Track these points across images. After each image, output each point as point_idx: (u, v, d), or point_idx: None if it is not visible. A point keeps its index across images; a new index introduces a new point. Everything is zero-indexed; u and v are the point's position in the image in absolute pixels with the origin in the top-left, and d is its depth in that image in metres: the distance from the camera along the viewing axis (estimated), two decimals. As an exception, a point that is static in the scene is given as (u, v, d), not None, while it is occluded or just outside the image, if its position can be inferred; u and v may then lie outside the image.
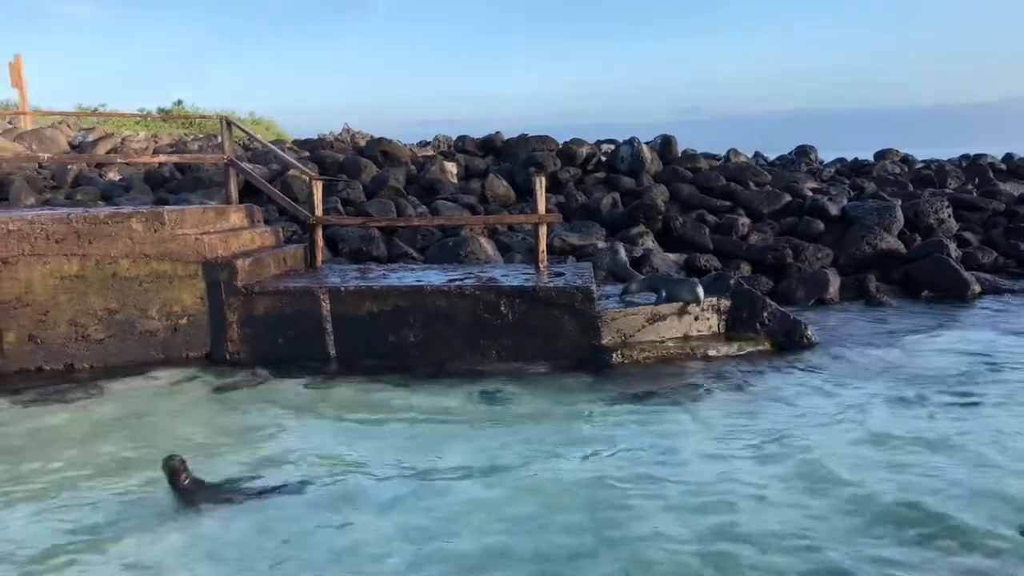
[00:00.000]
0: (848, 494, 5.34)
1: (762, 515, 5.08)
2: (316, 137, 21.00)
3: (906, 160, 24.07)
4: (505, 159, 17.51)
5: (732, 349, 8.99)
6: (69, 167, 14.83)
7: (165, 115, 21.75)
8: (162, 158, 11.01)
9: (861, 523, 4.95)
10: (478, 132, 19.73)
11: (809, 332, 9.33)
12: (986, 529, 4.79)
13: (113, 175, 15.03)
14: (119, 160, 11.85)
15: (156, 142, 19.33)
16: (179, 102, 32.36)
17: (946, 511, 5.04)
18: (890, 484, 5.49)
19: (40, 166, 15.32)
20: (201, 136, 22.42)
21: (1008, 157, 23.90)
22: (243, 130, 10.50)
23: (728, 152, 19.67)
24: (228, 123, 10.17)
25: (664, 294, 9.16)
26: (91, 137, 18.17)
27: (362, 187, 14.40)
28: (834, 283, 11.88)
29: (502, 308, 8.67)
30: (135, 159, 12.10)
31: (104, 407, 7.51)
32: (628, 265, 11.40)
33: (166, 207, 9.55)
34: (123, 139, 18.35)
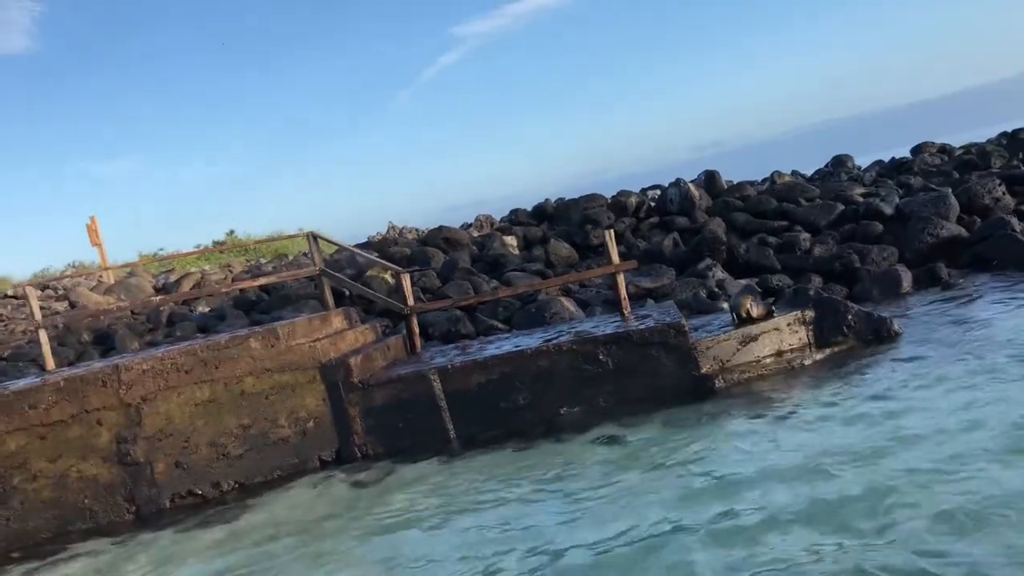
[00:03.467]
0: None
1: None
2: (366, 239, 21.95)
3: (944, 149, 24.26)
4: (559, 223, 18.20)
5: (825, 355, 9.38)
6: (161, 308, 15.83)
7: (256, 242, 22.91)
8: (261, 281, 11.88)
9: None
10: (507, 208, 20.64)
11: (895, 325, 9.68)
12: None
13: (203, 308, 16.00)
14: (224, 290, 12.78)
15: (231, 271, 20.45)
16: (231, 232, 33.92)
17: None
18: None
19: (133, 312, 16.37)
20: (266, 260, 23.59)
21: (1047, 126, 23.95)
22: (331, 241, 11.32)
23: (772, 175, 20.16)
24: (315, 237, 11.00)
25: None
26: (173, 278, 19.33)
27: (435, 274, 15.16)
28: (906, 277, 12.20)
29: (601, 357, 9.16)
30: (236, 285, 13.05)
31: (257, 522, 7.93)
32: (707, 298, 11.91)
33: (278, 323, 10.31)
34: (203, 274, 19.49)
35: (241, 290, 15.55)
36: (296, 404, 9.43)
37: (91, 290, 18.58)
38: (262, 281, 11.84)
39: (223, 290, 13.38)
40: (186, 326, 14.81)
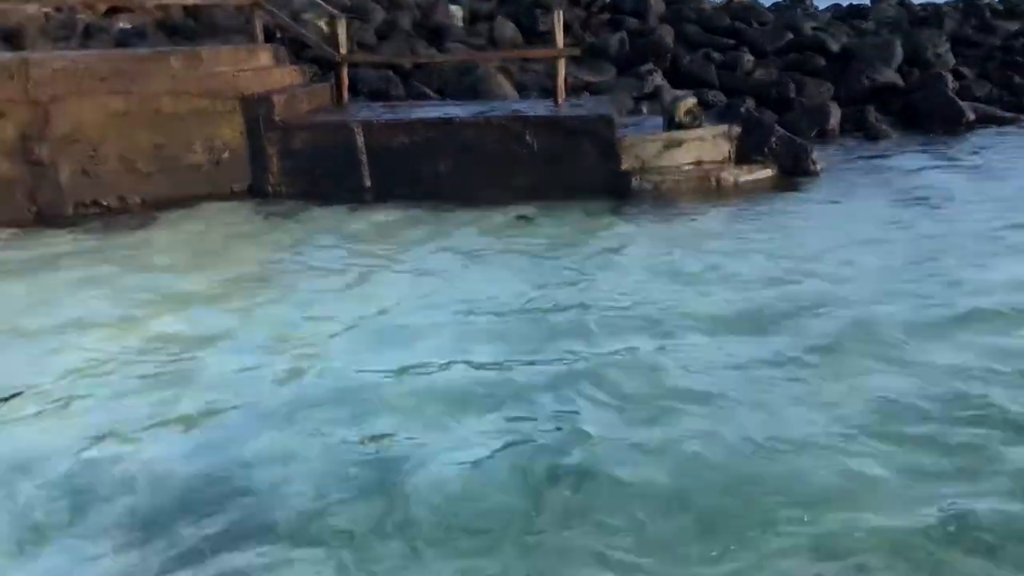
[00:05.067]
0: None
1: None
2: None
3: (903, 3, 24.03)
4: (509, 4, 17.52)
5: (742, 172, 9.59)
6: (79, 16, 14.85)
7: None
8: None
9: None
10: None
11: (815, 158, 9.91)
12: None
13: (124, 24, 15.07)
14: (149, 3, 12.06)
15: (157, -8, 19.12)
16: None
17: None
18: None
19: (46, 15, 15.33)
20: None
21: (1007, -4, 23.89)
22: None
23: (731, -7, 19.66)
24: (252, -36, 10.36)
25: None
26: (91, -13, 17.98)
27: (373, 31, 14.58)
28: (835, 115, 12.39)
29: (528, 138, 9.15)
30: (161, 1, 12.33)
31: (161, 234, 8.10)
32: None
33: (203, 47, 9.87)
34: (125, -12, 18.17)
35: (167, 7, 14.65)
36: (212, 132, 9.23)
37: (1, -16, 17.18)
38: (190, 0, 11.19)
39: (148, 4, 12.61)
40: (103, 38, 14.02)
